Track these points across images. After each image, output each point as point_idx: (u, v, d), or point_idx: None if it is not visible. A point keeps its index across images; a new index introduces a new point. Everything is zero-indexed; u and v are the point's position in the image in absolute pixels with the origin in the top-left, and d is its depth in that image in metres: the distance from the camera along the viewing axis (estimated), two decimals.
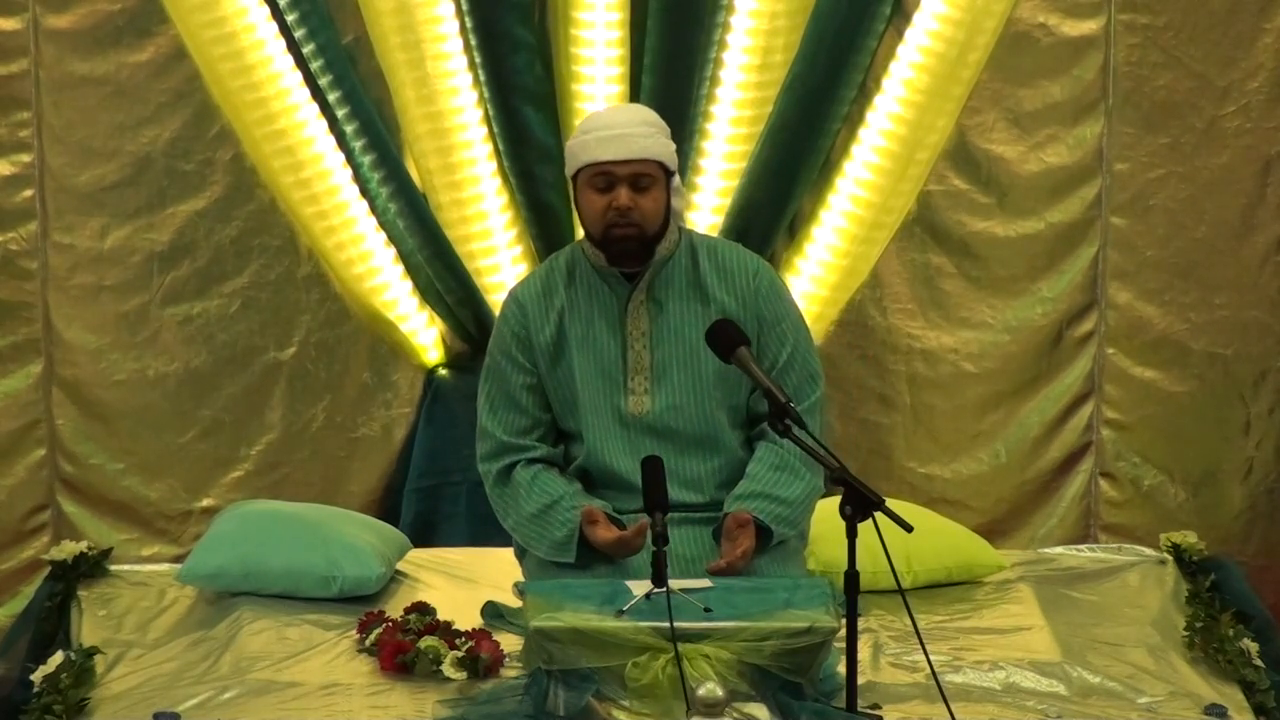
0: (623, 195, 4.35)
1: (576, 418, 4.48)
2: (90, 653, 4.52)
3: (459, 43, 5.73)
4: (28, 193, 5.77)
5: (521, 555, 4.58)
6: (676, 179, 4.45)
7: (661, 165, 4.38)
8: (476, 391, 5.52)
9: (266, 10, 5.66)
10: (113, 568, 5.21)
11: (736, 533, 4.31)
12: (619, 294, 4.46)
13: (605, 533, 4.32)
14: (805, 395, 4.47)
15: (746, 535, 4.31)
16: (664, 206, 4.40)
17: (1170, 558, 5.31)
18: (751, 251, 4.56)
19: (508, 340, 4.52)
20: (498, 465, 4.50)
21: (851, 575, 3.94)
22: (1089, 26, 5.82)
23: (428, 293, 5.87)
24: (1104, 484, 6.01)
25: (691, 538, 4.40)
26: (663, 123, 4.45)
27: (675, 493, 4.39)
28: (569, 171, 4.44)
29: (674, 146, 4.44)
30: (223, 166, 5.79)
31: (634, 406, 4.45)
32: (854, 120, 5.83)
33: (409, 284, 5.87)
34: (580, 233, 5.79)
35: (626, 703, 3.97)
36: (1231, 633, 4.65)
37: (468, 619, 4.47)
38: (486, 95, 5.76)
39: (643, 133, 4.37)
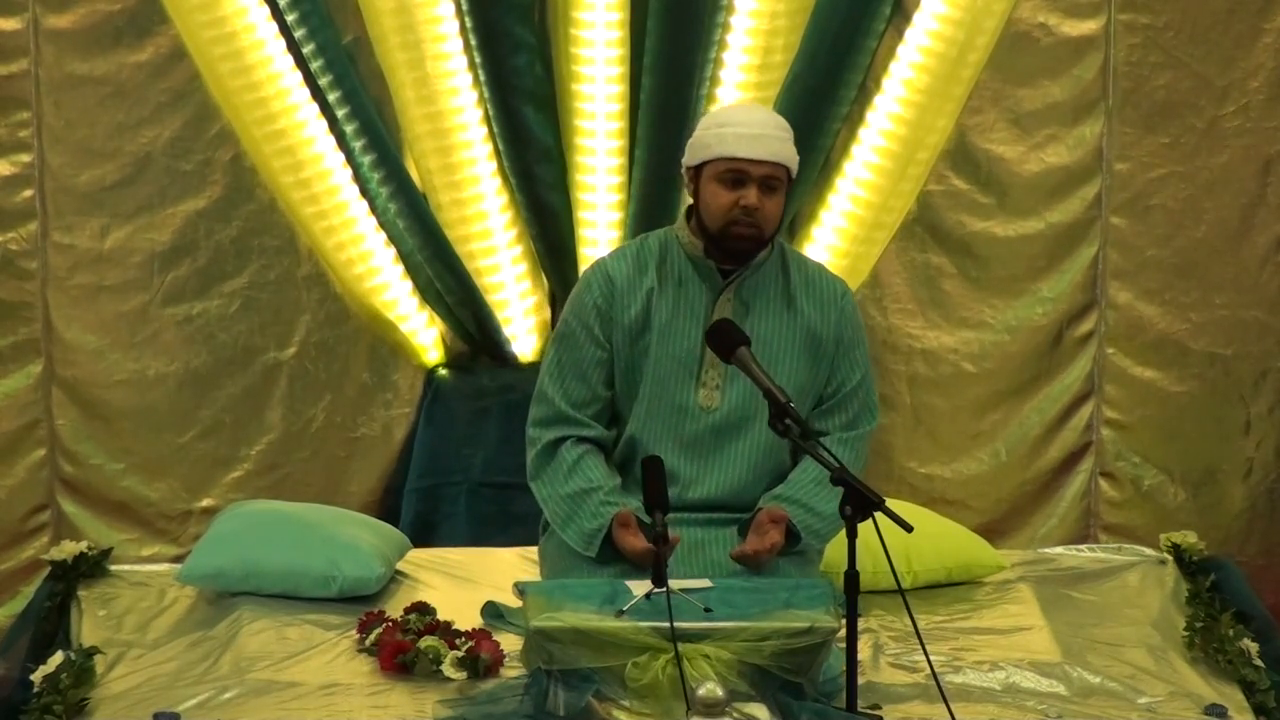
0: (753, 195, 4.32)
1: (635, 401, 4.46)
2: (90, 653, 4.51)
3: (459, 43, 5.73)
4: (28, 193, 5.77)
5: (543, 531, 4.57)
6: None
7: (789, 172, 4.39)
8: (477, 391, 5.53)
9: (266, 10, 5.66)
10: (113, 568, 5.19)
11: (768, 526, 4.32)
12: (711, 287, 4.44)
13: (635, 540, 4.30)
14: (861, 424, 4.51)
15: (778, 531, 4.32)
16: (782, 212, 4.41)
17: (1170, 558, 5.30)
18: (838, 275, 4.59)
19: (589, 310, 4.47)
20: (549, 435, 4.46)
21: (851, 575, 3.93)
22: (1089, 26, 5.82)
23: (428, 293, 5.87)
24: (1104, 484, 6.01)
25: (726, 540, 4.39)
26: (790, 130, 4.44)
27: (718, 493, 4.41)
28: (691, 160, 4.40)
29: (797, 155, 4.44)
30: (223, 166, 5.79)
31: (704, 400, 4.43)
32: (854, 120, 5.83)
33: (409, 284, 5.87)
34: (581, 232, 5.84)
35: (626, 703, 3.96)
36: (1231, 633, 4.65)
37: (468, 619, 4.47)
38: (486, 95, 5.76)
39: (780, 136, 4.37)
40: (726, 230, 4.36)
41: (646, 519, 4.32)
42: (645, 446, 4.42)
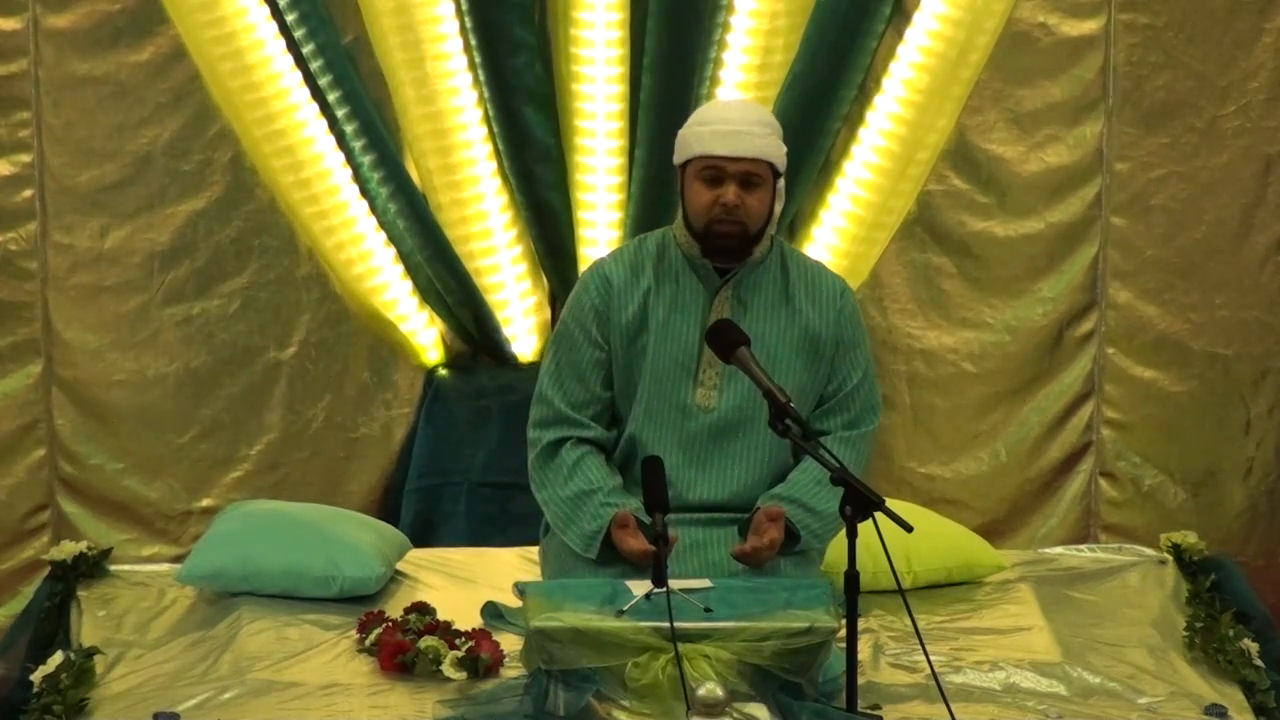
0: (731, 192, 4.32)
1: (635, 401, 4.45)
2: (90, 653, 4.51)
3: (459, 43, 5.73)
4: (28, 193, 5.77)
5: (545, 532, 4.57)
6: (781, 183, 4.42)
7: (771, 166, 4.37)
8: (477, 391, 5.53)
9: (266, 10, 5.66)
10: (113, 568, 5.20)
11: (766, 525, 4.31)
12: (707, 286, 4.43)
13: (634, 541, 4.30)
14: (864, 423, 4.49)
15: (776, 527, 4.31)
16: (769, 207, 4.38)
17: (1170, 558, 5.30)
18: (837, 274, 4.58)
19: (586, 311, 4.47)
20: (549, 436, 4.46)
21: (851, 575, 3.94)
22: (1089, 26, 5.82)
23: (428, 293, 5.87)
24: (1104, 484, 6.01)
25: (725, 540, 4.39)
26: (777, 124, 4.41)
27: (719, 493, 4.41)
28: (677, 160, 4.41)
29: (785, 149, 4.40)
30: (223, 166, 5.79)
31: (701, 399, 4.43)
32: (854, 120, 5.83)
33: (409, 284, 5.87)
34: (581, 232, 5.84)
35: (626, 703, 3.97)
36: (1231, 633, 4.65)
37: (468, 619, 4.47)
38: (486, 95, 5.76)
39: (759, 132, 4.34)
40: (710, 228, 4.36)
41: (646, 519, 4.33)
42: (645, 446, 4.42)
